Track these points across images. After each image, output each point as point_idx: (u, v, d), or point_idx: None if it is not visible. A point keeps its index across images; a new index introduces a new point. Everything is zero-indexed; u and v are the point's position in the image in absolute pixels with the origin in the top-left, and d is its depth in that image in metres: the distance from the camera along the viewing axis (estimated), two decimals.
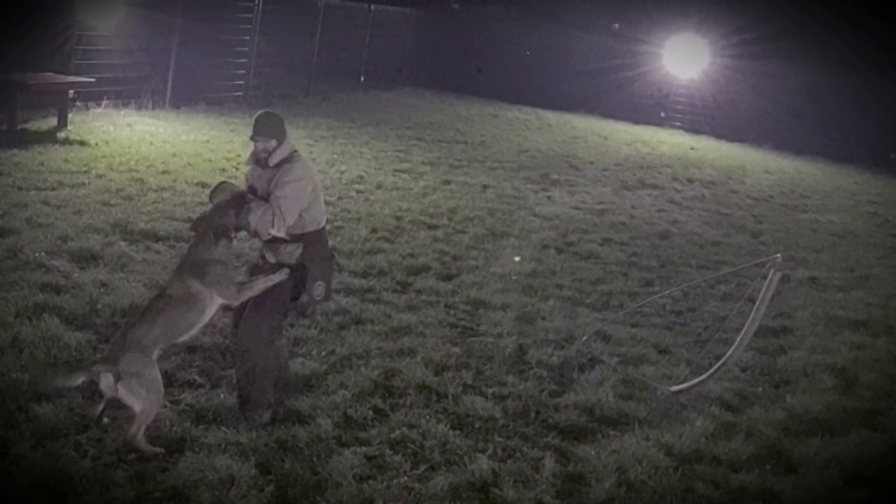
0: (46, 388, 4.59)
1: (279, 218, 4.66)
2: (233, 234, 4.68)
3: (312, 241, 4.90)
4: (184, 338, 4.63)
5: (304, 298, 4.95)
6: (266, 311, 4.76)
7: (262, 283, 4.75)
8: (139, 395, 4.23)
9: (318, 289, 4.91)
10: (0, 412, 4.42)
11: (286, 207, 4.68)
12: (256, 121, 4.86)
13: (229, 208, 4.65)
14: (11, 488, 3.90)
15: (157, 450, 4.33)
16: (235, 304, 4.73)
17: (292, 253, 4.87)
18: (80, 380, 4.30)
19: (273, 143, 4.80)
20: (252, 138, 4.86)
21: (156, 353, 4.42)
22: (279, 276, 4.75)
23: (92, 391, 4.74)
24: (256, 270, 5.01)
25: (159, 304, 4.51)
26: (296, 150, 4.92)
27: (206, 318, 4.60)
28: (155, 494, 4.02)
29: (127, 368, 4.22)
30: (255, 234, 4.81)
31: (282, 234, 4.75)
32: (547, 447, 4.94)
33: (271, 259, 4.95)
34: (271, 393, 4.86)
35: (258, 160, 4.87)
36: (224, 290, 4.58)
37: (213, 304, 4.58)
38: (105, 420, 4.43)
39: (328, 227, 5.18)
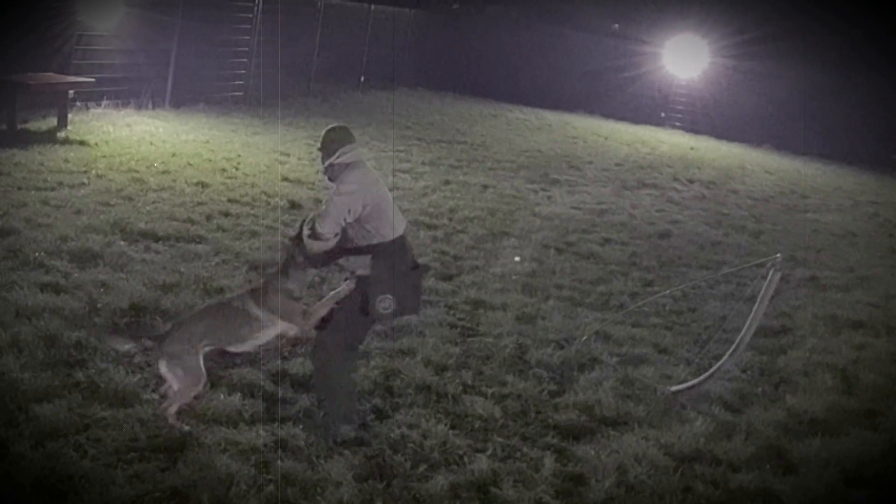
0: (103, 342, 5.18)
1: (318, 225, 4.69)
2: (301, 262, 4.77)
3: (379, 254, 4.77)
4: (235, 349, 4.90)
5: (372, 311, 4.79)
6: (341, 325, 4.77)
7: (329, 301, 4.86)
8: (175, 375, 4.62)
9: (384, 302, 4.75)
10: (0, 412, 4.43)
11: (324, 217, 4.70)
12: None
13: (294, 240, 4.84)
14: (11, 488, 3.90)
15: (186, 428, 4.52)
16: (306, 329, 4.88)
17: (361, 264, 4.78)
18: (127, 346, 4.95)
19: (322, 154, 4.86)
20: None
21: (202, 348, 4.69)
22: (345, 290, 4.79)
23: (93, 390, 4.77)
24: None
25: (214, 307, 5.00)
26: (352, 163, 4.80)
27: (260, 339, 4.84)
28: (155, 494, 4.02)
29: (168, 350, 4.64)
30: (317, 258, 4.80)
31: (326, 244, 4.72)
32: (547, 447, 4.94)
33: (347, 269, 4.92)
34: (353, 409, 4.86)
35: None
36: (291, 318, 4.78)
37: (270, 328, 4.79)
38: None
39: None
